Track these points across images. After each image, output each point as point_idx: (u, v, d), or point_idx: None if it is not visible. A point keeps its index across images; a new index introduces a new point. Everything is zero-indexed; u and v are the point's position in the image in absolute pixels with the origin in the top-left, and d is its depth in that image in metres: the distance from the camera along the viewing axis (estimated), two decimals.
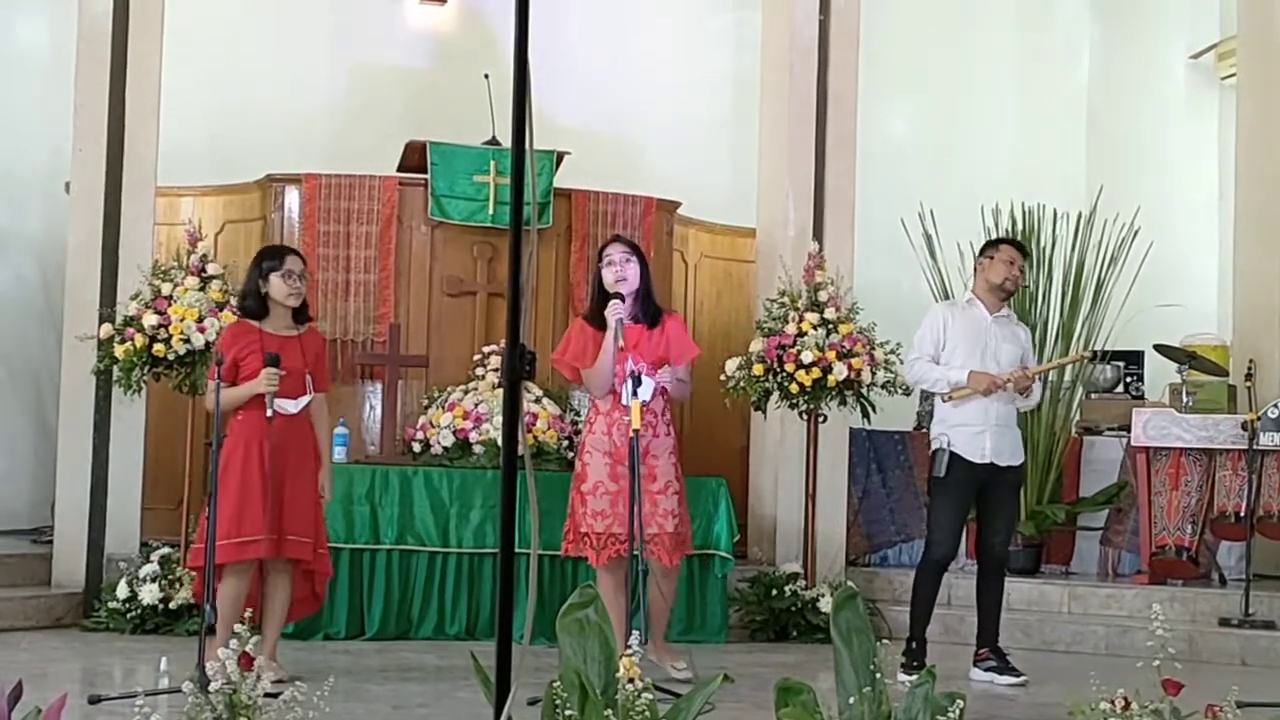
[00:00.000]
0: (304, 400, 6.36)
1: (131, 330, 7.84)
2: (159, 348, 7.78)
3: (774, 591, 8.46)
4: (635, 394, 6.45)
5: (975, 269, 7.39)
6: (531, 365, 2.93)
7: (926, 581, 7.12)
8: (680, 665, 6.77)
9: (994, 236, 7.63)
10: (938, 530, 7.10)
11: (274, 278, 6.40)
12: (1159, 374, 9.94)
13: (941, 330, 7.16)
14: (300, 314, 6.51)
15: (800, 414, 8.71)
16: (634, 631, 4.88)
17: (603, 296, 6.77)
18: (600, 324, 6.74)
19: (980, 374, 7.03)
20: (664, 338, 6.82)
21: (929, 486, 7.24)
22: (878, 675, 4.79)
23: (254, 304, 6.47)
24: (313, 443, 6.45)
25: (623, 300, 6.69)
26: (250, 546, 6.14)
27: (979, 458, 7.02)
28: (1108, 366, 9.94)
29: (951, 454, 6.99)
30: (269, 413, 6.12)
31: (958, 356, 7.10)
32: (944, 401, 7.07)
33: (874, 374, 8.39)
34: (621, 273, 6.74)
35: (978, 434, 7.03)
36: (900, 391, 8.50)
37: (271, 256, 6.51)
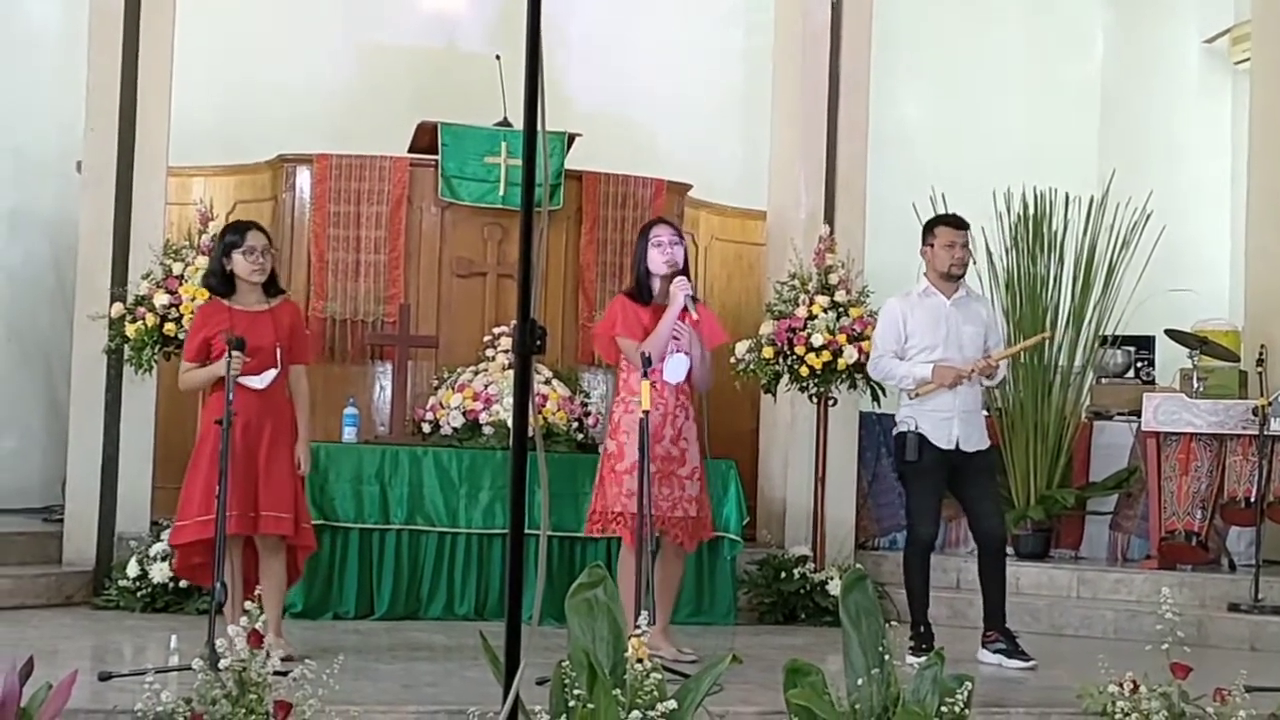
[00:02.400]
0: (269, 375, 6.29)
1: (143, 309, 7.87)
2: (170, 327, 7.81)
3: (783, 574, 8.46)
4: (658, 374, 6.65)
5: (922, 255, 7.27)
6: (542, 340, 2.93)
7: (917, 566, 7.12)
8: (686, 650, 6.79)
9: (932, 216, 7.49)
10: (917, 513, 7.11)
11: (236, 255, 6.37)
12: (1170, 359, 9.92)
13: (901, 326, 7.13)
14: (271, 288, 6.48)
15: (810, 397, 8.71)
16: (643, 612, 4.88)
17: (647, 275, 6.88)
18: (645, 300, 6.86)
19: (945, 368, 7.01)
20: (697, 323, 6.87)
21: (900, 471, 7.26)
22: (886, 657, 4.80)
23: (217, 283, 6.44)
24: (290, 417, 6.40)
25: (688, 277, 6.83)
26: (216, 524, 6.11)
27: (946, 444, 7.04)
28: (1119, 351, 9.92)
29: (921, 436, 7.00)
30: (229, 397, 6.05)
31: (923, 353, 7.08)
32: (911, 399, 7.06)
33: None
34: (671, 255, 6.85)
35: (945, 420, 7.04)
36: None
37: (233, 232, 6.47)
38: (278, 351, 6.32)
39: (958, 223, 7.24)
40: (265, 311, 6.40)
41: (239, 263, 6.36)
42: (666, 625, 6.89)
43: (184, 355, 6.52)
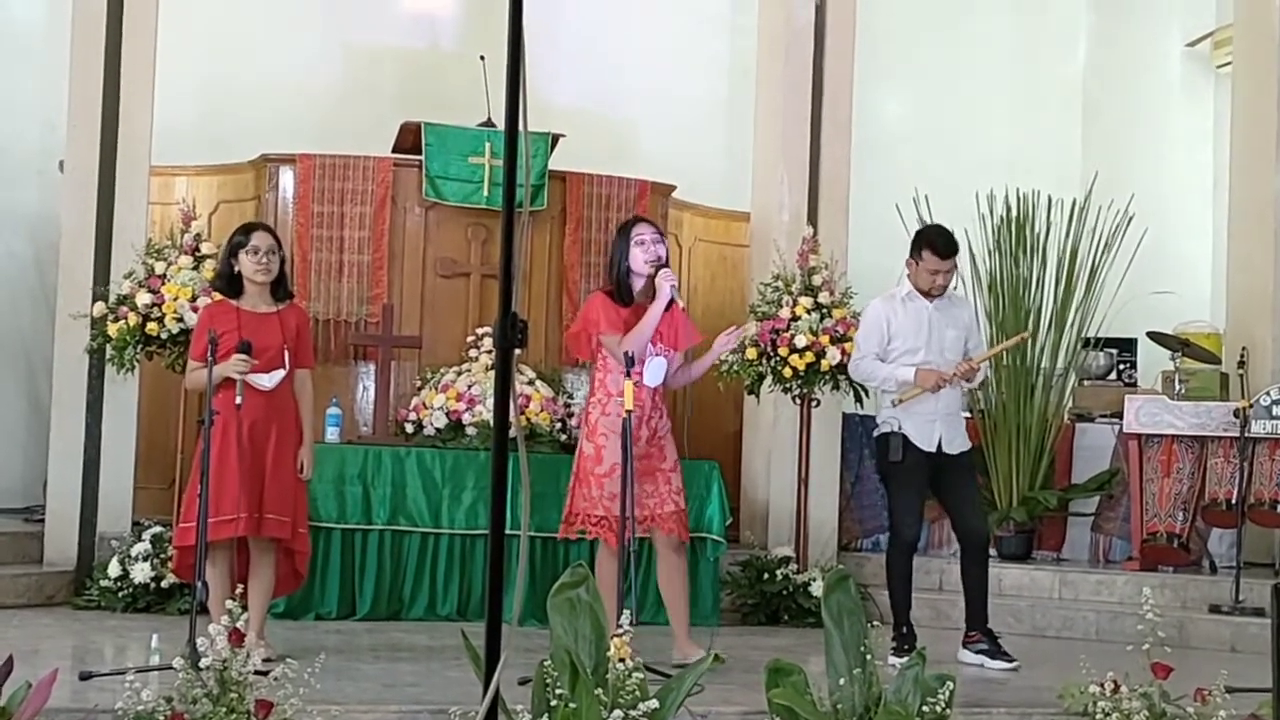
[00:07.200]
0: (278, 375, 6.32)
1: (125, 309, 7.84)
2: (152, 326, 7.79)
3: (766, 575, 8.47)
4: (640, 375, 6.53)
5: (906, 264, 7.22)
6: (523, 334, 2.93)
7: (900, 566, 7.12)
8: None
9: (921, 227, 7.43)
10: (901, 514, 7.11)
11: (242, 255, 6.40)
12: (1152, 361, 9.95)
13: (885, 328, 7.13)
14: (279, 290, 6.49)
15: (793, 398, 8.72)
16: (625, 611, 4.88)
17: (628, 275, 6.75)
18: (626, 301, 6.73)
19: (927, 371, 7.01)
20: (673, 322, 6.80)
21: (882, 472, 7.26)
22: (868, 657, 4.81)
23: (224, 284, 6.48)
24: (294, 419, 6.42)
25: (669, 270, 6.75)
26: (226, 525, 6.12)
27: (929, 446, 7.05)
28: (1101, 354, 9.95)
29: (904, 437, 7.01)
30: (237, 400, 6.09)
31: (906, 355, 7.09)
32: (894, 405, 7.06)
33: None
34: (654, 253, 6.74)
35: (928, 422, 7.06)
36: None
37: (240, 233, 6.51)
38: (285, 353, 6.34)
39: (946, 251, 7.10)
40: (273, 314, 6.43)
41: (244, 262, 6.39)
42: (688, 628, 6.79)
43: (190, 354, 6.54)
